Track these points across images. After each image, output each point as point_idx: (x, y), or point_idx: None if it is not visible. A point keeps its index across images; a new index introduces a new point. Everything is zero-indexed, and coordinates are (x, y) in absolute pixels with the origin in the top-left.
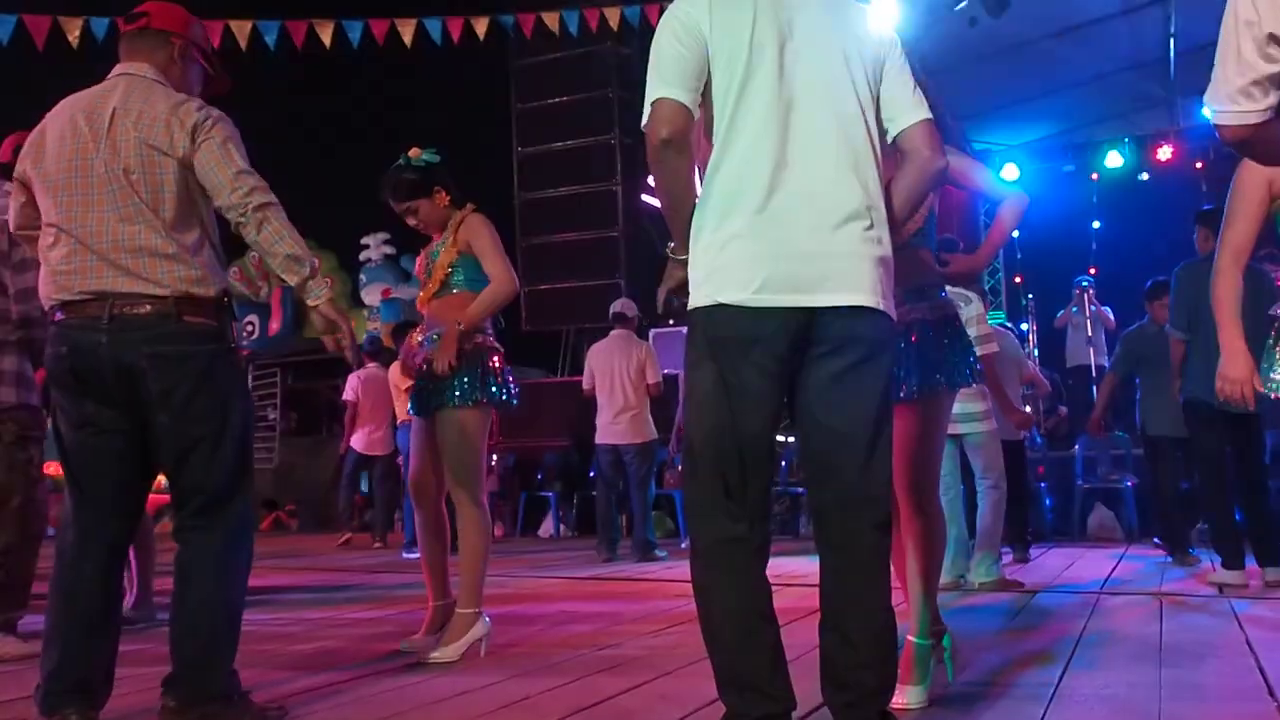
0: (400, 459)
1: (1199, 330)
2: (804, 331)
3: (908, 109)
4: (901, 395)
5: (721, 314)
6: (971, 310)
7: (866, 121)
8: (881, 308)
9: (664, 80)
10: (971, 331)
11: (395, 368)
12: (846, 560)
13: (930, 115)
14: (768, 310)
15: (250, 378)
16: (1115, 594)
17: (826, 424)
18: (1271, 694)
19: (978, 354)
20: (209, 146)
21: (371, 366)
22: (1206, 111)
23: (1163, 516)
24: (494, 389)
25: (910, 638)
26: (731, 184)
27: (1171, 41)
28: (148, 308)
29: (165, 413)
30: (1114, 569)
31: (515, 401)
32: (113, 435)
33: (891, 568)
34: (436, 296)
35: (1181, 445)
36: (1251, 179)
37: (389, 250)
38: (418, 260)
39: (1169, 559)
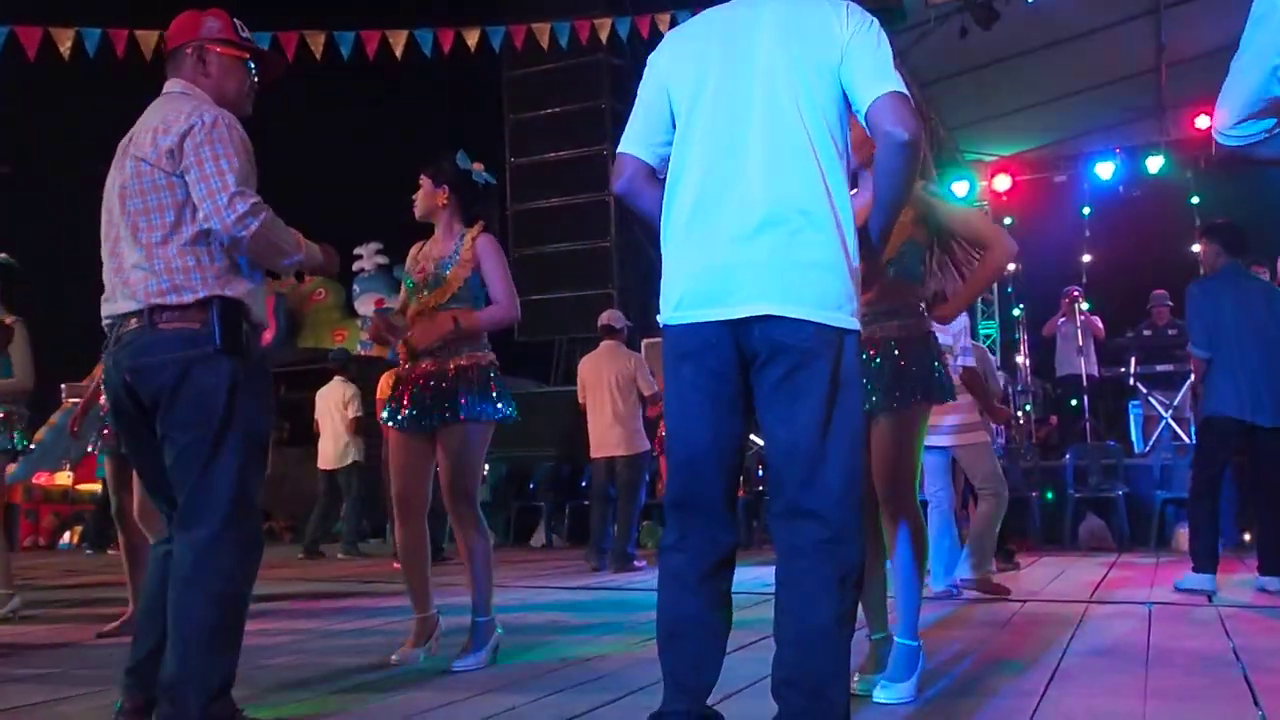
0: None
1: (1219, 347)
2: (737, 343)
3: (866, 87)
4: (880, 406)
5: (666, 332)
6: (956, 324)
7: (807, 126)
8: (802, 316)
9: (626, 134)
10: (960, 343)
11: (385, 380)
12: (788, 572)
13: (893, 86)
14: (689, 326)
15: None
16: (1104, 603)
17: (772, 435)
18: (1257, 704)
19: (962, 365)
20: (198, 159)
21: (335, 380)
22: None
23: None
24: (500, 405)
25: (898, 639)
26: (670, 206)
27: (1161, 53)
28: (133, 323)
29: (157, 421)
30: (1103, 578)
31: (515, 415)
32: (156, 450)
33: (864, 585)
34: (440, 308)
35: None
36: None
37: (382, 260)
38: (414, 263)
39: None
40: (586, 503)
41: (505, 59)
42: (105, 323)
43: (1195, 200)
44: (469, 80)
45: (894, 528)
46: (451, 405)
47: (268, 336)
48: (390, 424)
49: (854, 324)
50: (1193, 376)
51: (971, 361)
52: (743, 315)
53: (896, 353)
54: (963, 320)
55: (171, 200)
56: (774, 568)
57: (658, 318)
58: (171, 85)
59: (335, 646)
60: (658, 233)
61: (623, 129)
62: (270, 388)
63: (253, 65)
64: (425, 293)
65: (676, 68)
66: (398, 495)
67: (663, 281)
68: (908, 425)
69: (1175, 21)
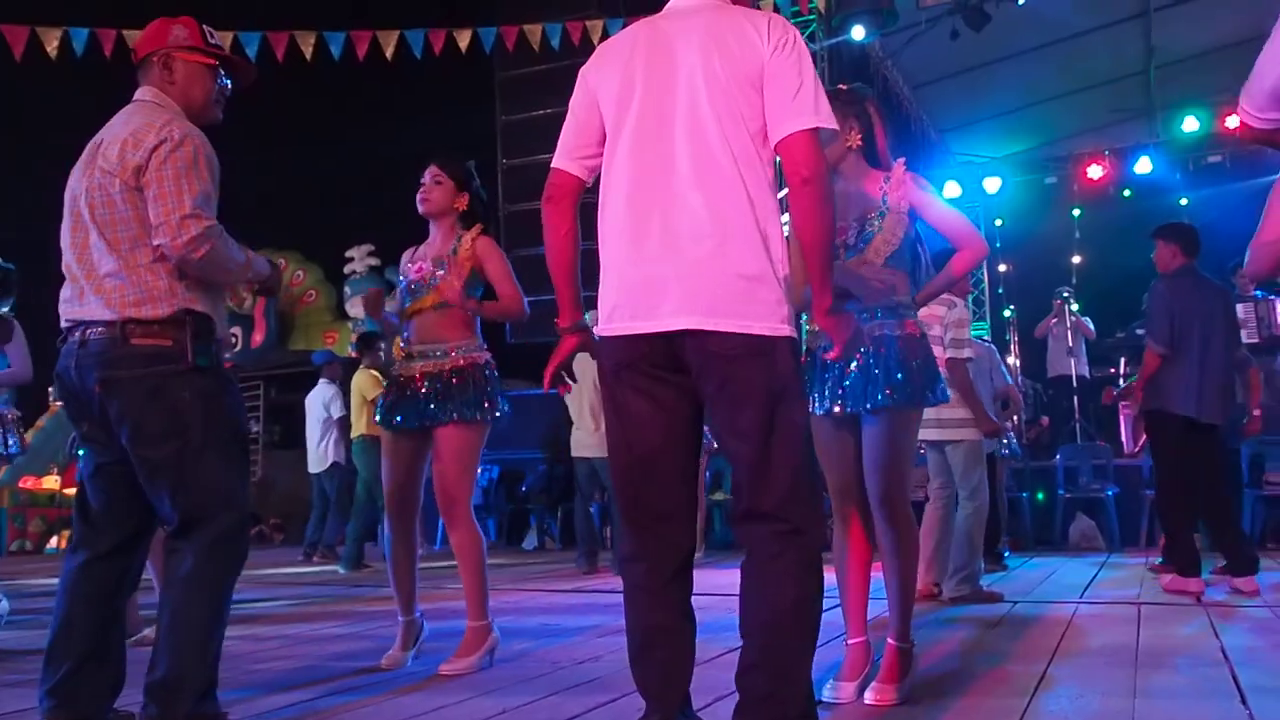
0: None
1: (1179, 344)
2: (671, 354)
3: (781, 121)
4: (868, 407)
5: (602, 343)
6: (953, 315)
7: (729, 138)
8: (728, 329)
9: (558, 149)
10: (950, 334)
11: (362, 378)
12: (751, 562)
13: (802, 124)
14: (623, 338)
15: None
16: (1094, 603)
17: (721, 443)
18: (1244, 702)
19: (951, 356)
20: (159, 177)
21: (321, 383)
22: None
23: None
24: (496, 405)
25: (890, 641)
26: (603, 219)
27: (1151, 55)
28: (100, 330)
29: (124, 437)
30: (1093, 578)
31: (509, 413)
32: (107, 451)
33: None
34: (436, 309)
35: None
36: None
37: (374, 262)
38: (409, 264)
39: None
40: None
41: (497, 60)
42: (66, 323)
43: (1184, 201)
44: (461, 81)
45: (886, 529)
46: (448, 406)
47: (258, 339)
48: (384, 424)
49: (783, 330)
50: (1144, 370)
51: (965, 354)
52: (672, 328)
53: (892, 351)
54: (958, 313)
55: (137, 214)
56: (730, 574)
57: (594, 329)
58: (142, 93)
59: (324, 650)
60: (555, 250)
61: None
62: (238, 394)
63: (223, 71)
64: (423, 293)
65: (604, 81)
66: (390, 494)
67: (599, 292)
68: (901, 426)
69: (1164, 24)
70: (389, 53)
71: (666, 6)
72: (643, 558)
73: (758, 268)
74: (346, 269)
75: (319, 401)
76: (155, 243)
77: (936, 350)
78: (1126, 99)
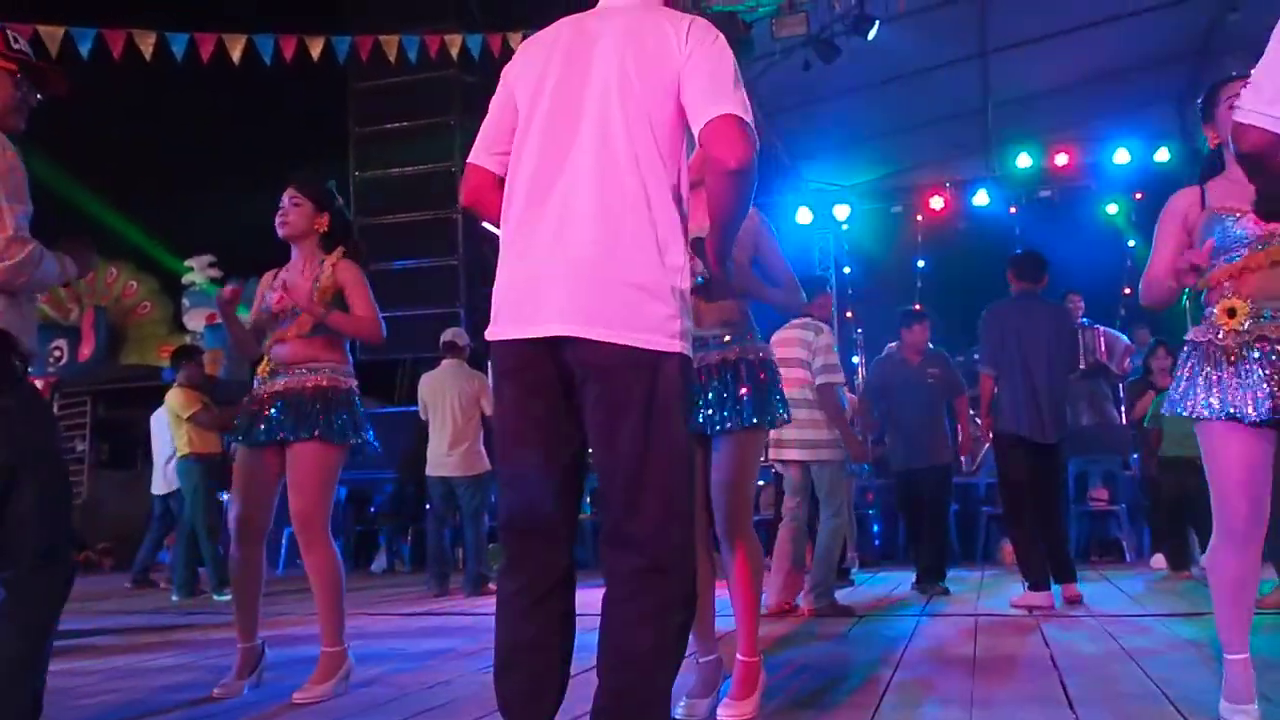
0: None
1: (1005, 367)
2: (553, 361)
3: (699, 108)
4: (717, 429)
5: (490, 348)
6: (821, 340)
7: (635, 142)
8: (610, 340)
9: (476, 144)
10: (819, 360)
11: (176, 396)
12: (609, 599)
13: (727, 109)
14: (506, 343)
15: (56, 406)
16: (934, 615)
17: (594, 459)
18: (1072, 708)
19: (823, 382)
20: None
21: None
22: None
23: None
24: (359, 431)
25: (740, 656)
26: (504, 216)
27: (988, 94)
28: None
29: None
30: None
31: (376, 447)
32: None
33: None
34: (304, 336)
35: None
36: (1172, 208)
37: (214, 274)
38: (271, 292)
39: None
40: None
41: (352, 70)
42: None
43: (1017, 232)
44: (314, 90)
45: (730, 549)
46: (308, 422)
47: (85, 352)
48: (241, 440)
49: (673, 345)
50: (982, 395)
51: (836, 379)
52: (552, 334)
53: (734, 375)
54: (825, 339)
55: None
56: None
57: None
58: None
59: (152, 683)
60: None
61: (471, 146)
62: (49, 412)
63: (29, 78)
64: (285, 324)
65: (522, 77)
66: (239, 516)
67: (494, 291)
68: (745, 448)
69: (1001, 65)
70: (236, 56)
71: (597, 5)
72: (518, 572)
73: (649, 277)
74: (185, 279)
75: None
76: None
77: (802, 374)
78: (966, 134)
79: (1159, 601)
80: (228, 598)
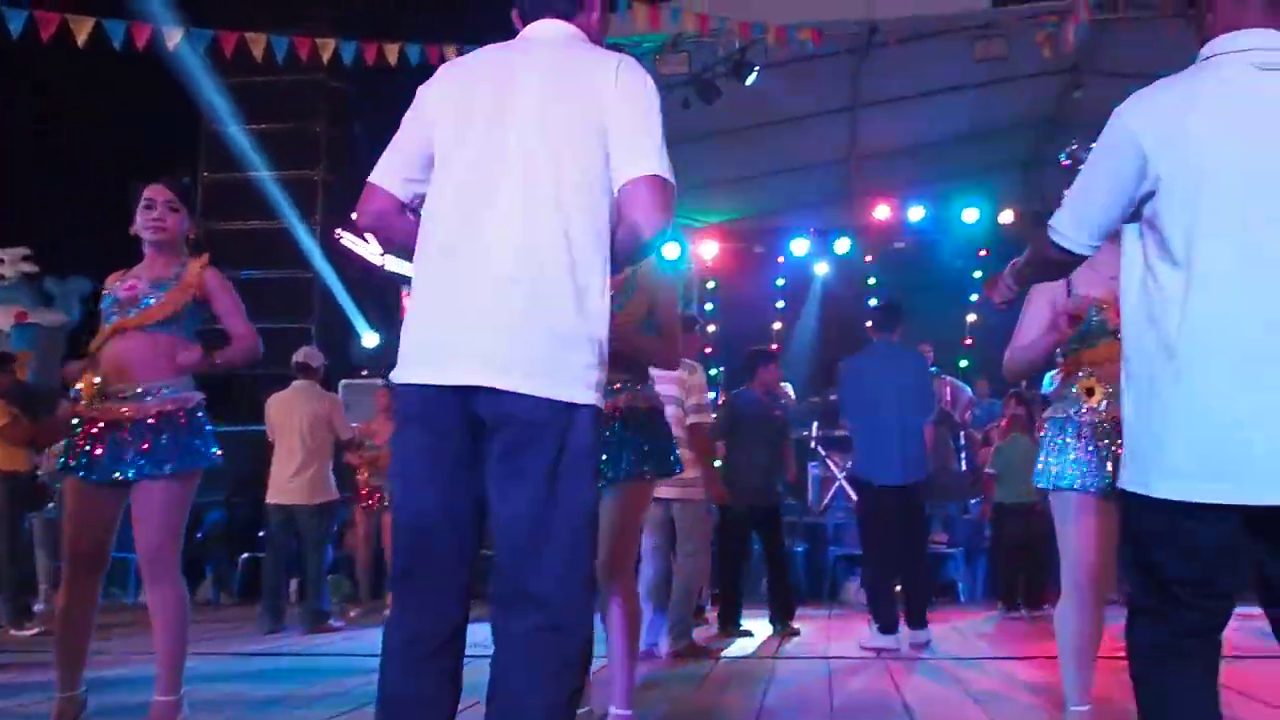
0: None
1: (861, 413)
2: (462, 410)
3: (621, 165)
4: (609, 478)
5: (395, 390)
6: (695, 379)
7: (559, 184)
8: (525, 391)
9: (380, 164)
10: (692, 399)
11: None
12: (501, 659)
13: (650, 170)
14: (414, 387)
15: None
16: (790, 659)
17: (494, 511)
18: None
19: (694, 421)
20: None
21: None
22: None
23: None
24: (207, 450)
25: (613, 709)
26: (419, 253)
27: (854, 146)
28: None
29: None
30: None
31: (220, 460)
32: None
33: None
34: (144, 330)
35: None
36: (1040, 288)
37: (28, 268)
38: (120, 285)
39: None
40: (263, 555)
41: (210, 65)
42: None
43: (872, 281)
44: (164, 84)
45: (609, 594)
46: (156, 458)
47: None
48: (76, 475)
49: (588, 397)
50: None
51: (706, 418)
52: (465, 383)
53: (625, 424)
54: (698, 378)
55: None
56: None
57: (391, 374)
58: None
59: None
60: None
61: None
62: None
63: None
64: (130, 312)
65: (443, 106)
66: (74, 553)
67: (402, 331)
68: (634, 498)
69: (867, 119)
70: (81, 40)
71: (521, 33)
72: (409, 622)
73: (568, 325)
74: None
75: None
76: None
77: (675, 411)
78: (831, 183)
79: (998, 644)
80: (28, 633)
